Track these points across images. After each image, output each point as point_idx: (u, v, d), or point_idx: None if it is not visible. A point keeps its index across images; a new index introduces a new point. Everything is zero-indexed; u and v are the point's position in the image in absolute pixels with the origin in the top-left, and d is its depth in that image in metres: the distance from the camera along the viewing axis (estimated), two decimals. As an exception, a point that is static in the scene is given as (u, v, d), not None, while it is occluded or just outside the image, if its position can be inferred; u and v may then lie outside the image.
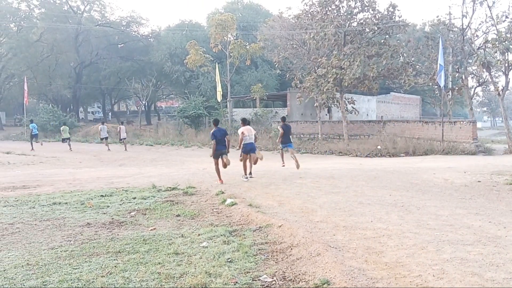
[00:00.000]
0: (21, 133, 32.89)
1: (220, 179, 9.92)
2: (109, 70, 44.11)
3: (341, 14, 23.74)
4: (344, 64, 22.16)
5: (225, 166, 9.98)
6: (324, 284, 3.72)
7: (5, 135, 33.59)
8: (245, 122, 10.80)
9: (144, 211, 7.07)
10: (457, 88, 24.00)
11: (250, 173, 10.75)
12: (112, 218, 6.50)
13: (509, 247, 4.72)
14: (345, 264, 4.16)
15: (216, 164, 10.02)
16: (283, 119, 13.65)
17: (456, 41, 23.10)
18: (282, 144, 13.39)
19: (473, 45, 22.73)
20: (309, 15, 24.38)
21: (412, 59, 24.97)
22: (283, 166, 13.45)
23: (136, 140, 28.44)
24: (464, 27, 22.30)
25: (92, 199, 8.00)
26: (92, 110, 58.50)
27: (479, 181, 9.93)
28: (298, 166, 12.19)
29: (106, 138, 23.73)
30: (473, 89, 25.84)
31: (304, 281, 3.93)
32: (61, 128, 23.97)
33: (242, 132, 10.61)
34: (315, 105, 25.90)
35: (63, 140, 23.60)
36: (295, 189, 8.99)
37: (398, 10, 23.35)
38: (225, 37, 29.73)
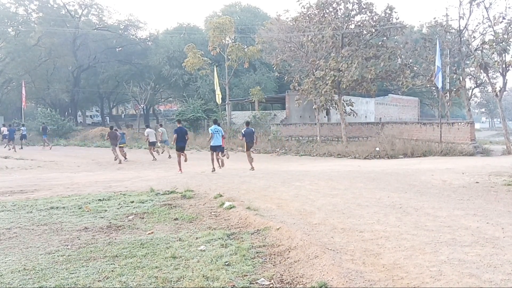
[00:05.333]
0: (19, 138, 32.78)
1: None
2: (107, 74, 44.13)
3: (339, 16, 23.78)
4: (342, 66, 22.18)
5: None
6: (322, 286, 3.71)
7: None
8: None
9: (142, 215, 7.06)
10: (455, 89, 24.04)
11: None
12: (110, 222, 6.49)
13: (507, 248, 4.72)
14: (343, 267, 4.15)
15: None
16: None
17: (453, 43, 23.16)
18: None
19: (470, 46, 22.79)
20: (307, 18, 24.42)
21: (410, 60, 25.04)
22: None
23: (134, 144, 28.40)
24: (461, 28, 22.37)
25: (89, 203, 7.98)
26: (90, 114, 58.51)
27: (477, 182, 9.94)
28: None
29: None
30: (470, 90, 25.90)
31: (302, 284, 3.92)
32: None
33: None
34: (313, 107, 25.91)
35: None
36: (294, 191, 8.99)
37: (395, 12, 23.39)
38: (223, 40, 29.80)
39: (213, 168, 13.90)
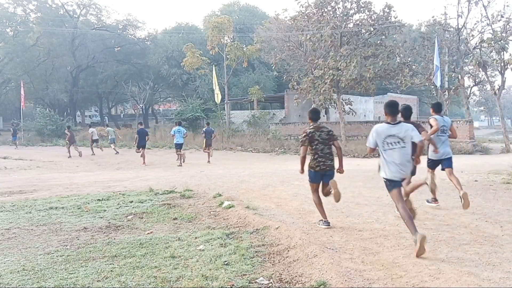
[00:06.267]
0: (18, 138, 32.74)
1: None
2: (106, 74, 44.06)
3: (337, 15, 23.78)
4: (340, 65, 22.19)
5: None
6: (321, 285, 3.71)
7: (2, 140, 33.47)
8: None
9: (141, 214, 7.05)
10: (453, 88, 24.06)
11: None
12: (109, 222, 6.48)
13: (506, 246, 4.73)
14: (342, 265, 4.16)
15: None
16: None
17: (452, 41, 23.20)
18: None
19: (469, 44, 22.83)
20: (305, 17, 24.42)
21: (409, 59, 25.02)
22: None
23: (133, 144, 28.35)
24: (460, 27, 22.41)
25: (88, 203, 7.97)
26: (89, 114, 58.47)
27: (476, 181, 9.95)
28: None
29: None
30: (469, 89, 25.95)
31: (301, 283, 3.92)
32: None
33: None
34: (312, 106, 25.90)
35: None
36: (293, 190, 9.00)
37: (393, 11, 23.41)
38: (222, 40, 29.72)
39: (181, 163, 16.59)
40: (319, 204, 5.92)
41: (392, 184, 4.78)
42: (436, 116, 6.99)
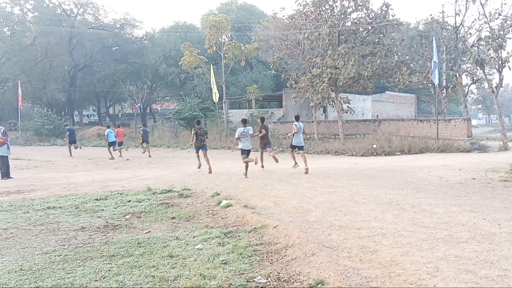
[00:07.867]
0: (16, 138, 32.71)
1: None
2: (104, 73, 44.00)
3: (335, 13, 23.75)
4: (338, 63, 22.18)
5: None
6: (319, 284, 3.71)
7: None
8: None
9: (139, 214, 7.04)
10: (451, 86, 24.05)
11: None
12: (107, 222, 6.47)
13: (504, 244, 4.73)
14: (340, 264, 4.15)
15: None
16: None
17: (449, 39, 23.19)
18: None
19: (466, 42, 22.83)
20: (303, 15, 24.38)
21: (407, 57, 25.01)
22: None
23: (131, 143, 28.35)
24: (457, 25, 22.39)
25: (86, 202, 7.96)
26: (87, 114, 58.35)
27: (474, 178, 9.97)
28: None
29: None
30: (467, 87, 25.97)
31: (299, 282, 3.92)
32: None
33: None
34: (310, 105, 25.90)
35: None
36: (291, 189, 9.00)
37: (391, 9, 23.36)
38: (219, 38, 29.71)
39: (112, 157, 19.72)
40: (199, 158, 13.10)
41: (244, 151, 11.56)
42: (296, 122, 12.39)
